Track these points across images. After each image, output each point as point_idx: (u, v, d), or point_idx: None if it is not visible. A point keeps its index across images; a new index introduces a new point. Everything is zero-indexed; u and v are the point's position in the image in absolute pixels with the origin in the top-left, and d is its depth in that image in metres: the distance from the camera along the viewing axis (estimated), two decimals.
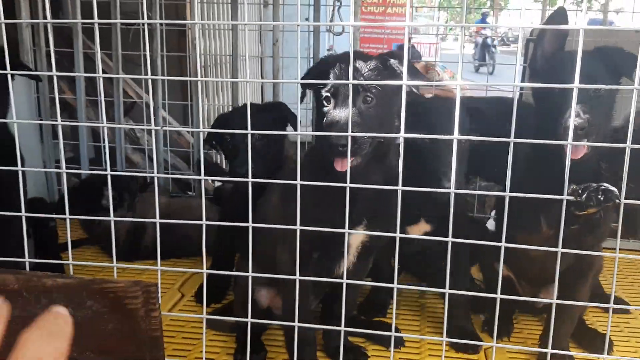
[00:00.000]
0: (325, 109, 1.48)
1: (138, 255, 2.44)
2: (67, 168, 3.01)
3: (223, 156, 2.14)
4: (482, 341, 1.86)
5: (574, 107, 1.30)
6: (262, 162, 1.83)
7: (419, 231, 1.87)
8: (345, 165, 1.44)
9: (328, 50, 6.42)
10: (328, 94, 1.48)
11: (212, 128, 2.08)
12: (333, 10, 2.66)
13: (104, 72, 2.96)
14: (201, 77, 2.90)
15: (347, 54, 1.63)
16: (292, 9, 3.12)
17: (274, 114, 1.90)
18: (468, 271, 2.04)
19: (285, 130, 1.89)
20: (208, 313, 2.04)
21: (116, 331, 1.44)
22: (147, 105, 3.01)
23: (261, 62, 3.37)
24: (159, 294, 1.49)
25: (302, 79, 1.53)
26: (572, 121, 1.31)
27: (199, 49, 2.80)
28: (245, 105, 2.30)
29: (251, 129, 1.90)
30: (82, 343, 1.45)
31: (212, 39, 3.28)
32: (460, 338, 1.78)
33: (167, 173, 2.90)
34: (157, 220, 1.47)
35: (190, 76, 2.77)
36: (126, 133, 3.03)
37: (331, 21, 2.66)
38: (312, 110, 2.06)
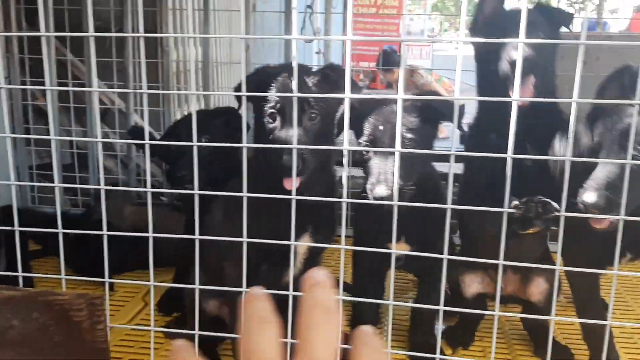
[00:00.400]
0: (271, 125, 1.47)
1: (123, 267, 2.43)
2: (42, 174, 3.02)
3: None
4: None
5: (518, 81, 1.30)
6: (207, 170, 1.82)
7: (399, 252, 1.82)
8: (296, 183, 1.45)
9: (317, 53, 6.42)
10: (274, 111, 1.46)
11: (165, 134, 2.09)
12: (304, 17, 2.66)
13: (78, 79, 2.95)
14: (173, 84, 2.91)
15: (287, 65, 1.64)
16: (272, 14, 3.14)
17: (224, 119, 1.90)
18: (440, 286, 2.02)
19: (236, 135, 1.88)
20: (169, 322, 2.05)
21: (62, 343, 1.45)
22: (120, 111, 3.02)
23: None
24: (107, 306, 1.50)
25: (237, 89, 1.53)
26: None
27: (172, 56, 2.81)
28: (197, 110, 2.30)
29: (199, 135, 1.91)
30: (29, 355, 1.46)
31: (186, 45, 3.29)
32: (421, 352, 1.78)
33: (140, 179, 2.90)
34: (105, 232, 1.47)
35: (162, 83, 2.78)
36: None
37: (302, 28, 2.66)
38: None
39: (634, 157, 1.30)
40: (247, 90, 1.50)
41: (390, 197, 1.46)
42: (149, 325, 2.06)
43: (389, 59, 4.92)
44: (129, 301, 2.19)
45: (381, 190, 1.48)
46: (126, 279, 2.17)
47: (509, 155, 1.27)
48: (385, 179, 1.49)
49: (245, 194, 1.39)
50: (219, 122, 1.89)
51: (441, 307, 1.38)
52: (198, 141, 1.88)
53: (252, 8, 3.66)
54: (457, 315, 2.01)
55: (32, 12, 3.08)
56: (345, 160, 1.36)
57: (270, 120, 1.49)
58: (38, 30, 3.10)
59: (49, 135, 2.94)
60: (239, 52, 1.27)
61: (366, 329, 0.44)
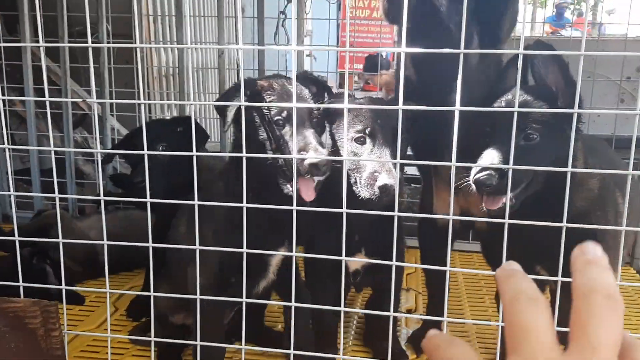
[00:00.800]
0: (280, 132, 1.48)
1: (97, 272, 2.44)
2: (21, 179, 3.04)
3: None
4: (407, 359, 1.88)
5: None
6: (167, 178, 1.82)
7: (357, 262, 1.81)
8: (312, 194, 1.47)
9: (307, 56, 6.45)
10: (280, 118, 1.48)
11: (123, 142, 2.10)
12: (277, 23, 2.67)
13: (54, 84, 2.97)
14: (149, 90, 2.92)
15: (276, 75, 1.66)
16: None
17: (182, 128, 1.91)
18: (399, 293, 2.03)
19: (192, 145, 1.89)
20: (135, 327, 2.06)
21: (18, 350, 1.46)
22: (98, 116, 3.03)
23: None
24: (65, 313, 1.51)
25: (219, 100, 1.55)
26: None
27: (144, 61, 2.82)
28: (154, 120, 2.31)
29: (157, 143, 1.91)
30: None
31: (162, 51, 3.30)
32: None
33: None
34: (60, 240, 1.48)
35: (137, 89, 2.80)
36: (79, 144, 3.05)
37: (275, 34, 2.67)
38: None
39: (529, 137, 1.33)
40: (236, 100, 1.53)
41: (393, 187, 1.44)
42: (118, 331, 2.09)
43: (374, 62, 4.93)
44: (98, 306, 2.21)
45: (386, 177, 1.46)
46: (89, 286, 2.19)
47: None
48: (388, 169, 1.48)
49: (196, 202, 1.41)
50: (177, 131, 1.90)
51: (391, 314, 1.40)
52: (154, 149, 1.91)
53: (240, 12, 3.68)
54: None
55: (11, 19, 3.10)
56: (294, 169, 1.37)
57: (279, 127, 1.49)
58: (17, 37, 3.10)
59: (27, 139, 2.93)
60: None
61: None
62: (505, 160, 1.27)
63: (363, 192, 1.50)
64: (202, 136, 1.92)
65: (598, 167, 1.49)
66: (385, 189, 1.45)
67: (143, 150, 1.86)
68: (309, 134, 1.45)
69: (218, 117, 2.63)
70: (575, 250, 0.40)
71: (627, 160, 1.92)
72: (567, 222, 1.15)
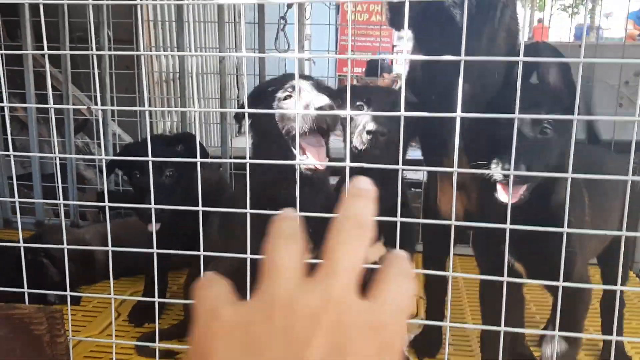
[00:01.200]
0: (286, 107, 1.50)
1: (94, 278, 2.45)
2: (22, 185, 3.04)
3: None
4: None
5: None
6: (173, 199, 1.80)
7: (375, 254, 1.82)
8: (324, 158, 1.48)
9: (307, 60, 6.46)
10: (288, 93, 1.50)
11: (122, 155, 2.08)
12: (278, 28, 2.68)
13: (56, 89, 2.97)
14: (150, 95, 2.93)
15: (282, 77, 1.67)
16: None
17: (182, 146, 1.89)
18: None
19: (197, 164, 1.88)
20: (142, 333, 2.07)
21: (24, 356, 1.47)
22: (99, 121, 3.04)
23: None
24: (69, 320, 1.52)
25: (241, 107, 1.56)
26: None
27: (146, 67, 2.82)
28: (153, 136, 2.27)
29: (164, 168, 1.87)
30: None
31: (163, 56, 3.31)
32: None
33: (118, 188, 2.93)
34: (65, 246, 1.49)
35: (140, 94, 2.81)
36: (80, 149, 3.05)
37: (276, 39, 2.68)
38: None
39: (543, 129, 1.35)
40: (252, 106, 1.53)
41: (380, 132, 1.50)
42: (121, 336, 2.10)
43: (374, 66, 4.95)
44: (101, 312, 2.21)
45: (373, 124, 1.52)
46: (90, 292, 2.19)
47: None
48: (373, 118, 1.55)
49: (201, 208, 1.41)
50: (177, 149, 1.89)
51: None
52: (162, 175, 1.86)
53: (237, 17, 3.70)
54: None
55: (12, 24, 3.11)
56: (297, 175, 1.38)
57: (287, 103, 1.51)
58: (18, 42, 3.11)
59: (28, 144, 2.94)
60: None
61: (398, 252, 0.42)
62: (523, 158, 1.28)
63: (356, 141, 1.56)
64: (203, 155, 1.91)
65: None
66: (374, 133, 1.51)
67: (146, 175, 1.82)
68: (309, 87, 1.48)
69: (218, 122, 2.65)
70: (352, 182, 0.43)
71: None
72: (549, 214, 1.20)
